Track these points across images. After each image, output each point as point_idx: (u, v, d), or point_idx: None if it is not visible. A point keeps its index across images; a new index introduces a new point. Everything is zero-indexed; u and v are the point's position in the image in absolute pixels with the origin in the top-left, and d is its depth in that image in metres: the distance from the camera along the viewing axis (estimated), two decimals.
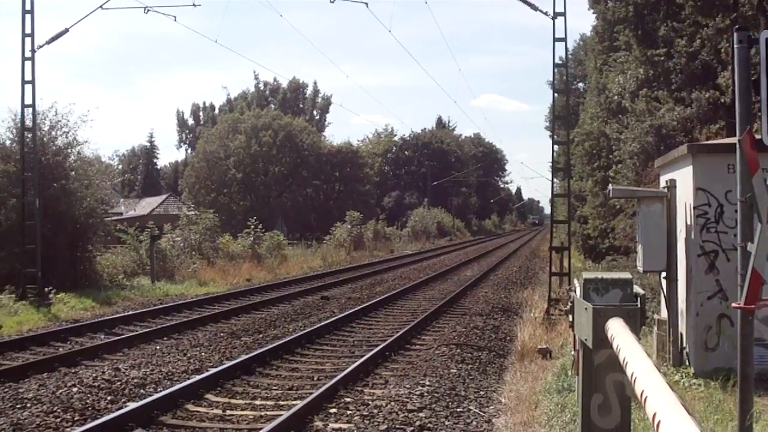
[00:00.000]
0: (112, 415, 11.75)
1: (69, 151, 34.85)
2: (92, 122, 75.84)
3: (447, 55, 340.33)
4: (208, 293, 32.92)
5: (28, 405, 12.82)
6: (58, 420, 11.89)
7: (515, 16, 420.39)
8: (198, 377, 14.77)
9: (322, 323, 22.44)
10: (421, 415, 12.09)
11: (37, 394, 13.54)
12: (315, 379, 15.60)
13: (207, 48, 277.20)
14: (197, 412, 12.83)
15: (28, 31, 29.09)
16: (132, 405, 12.60)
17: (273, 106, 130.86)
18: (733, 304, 9.20)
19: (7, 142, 33.34)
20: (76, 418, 12.05)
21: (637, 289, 8.28)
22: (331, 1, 33.89)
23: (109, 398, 13.36)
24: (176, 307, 27.29)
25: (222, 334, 21.10)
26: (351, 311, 25.15)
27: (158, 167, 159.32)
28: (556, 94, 29.40)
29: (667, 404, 3.69)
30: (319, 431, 11.57)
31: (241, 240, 52.52)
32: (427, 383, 14.43)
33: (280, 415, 11.90)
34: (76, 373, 15.97)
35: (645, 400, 4.01)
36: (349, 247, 66.21)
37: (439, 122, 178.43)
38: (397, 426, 11.44)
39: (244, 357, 17.06)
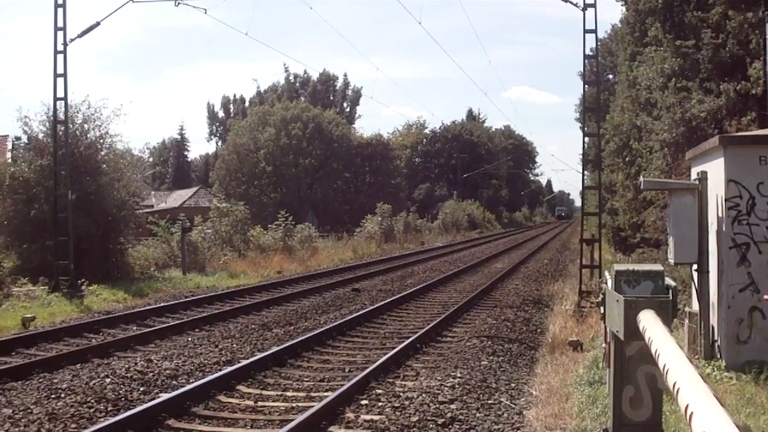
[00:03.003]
0: (144, 406, 11.82)
1: (101, 144, 35.02)
2: (125, 116, 76.05)
3: (477, 47, 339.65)
4: (239, 285, 33.00)
5: (62, 395, 12.91)
6: (92, 410, 11.98)
7: (545, 7, 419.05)
8: (230, 368, 14.83)
9: (353, 315, 22.47)
10: (452, 406, 12.10)
11: (70, 385, 13.63)
12: (346, 370, 15.63)
13: (237, 40, 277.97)
14: (229, 403, 12.89)
15: (60, 24, 29.27)
16: (164, 396, 12.68)
17: (303, 98, 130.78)
18: (765, 297, 9.19)
19: (40, 136, 33.55)
20: (109, 409, 12.14)
21: (668, 281, 8.26)
22: None
23: (141, 389, 13.45)
24: (207, 299, 27.38)
25: (253, 326, 21.16)
26: (382, 303, 25.15)
27: (189, 160, 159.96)
28: (586, 86, 29.29)
29: (700, 396, 3.70)
30: (350, 422, 11.60)
31: (271, 232, 52.56)
32: (459, 375, 14.43)
33: (312, 406, 11.93)
34: (109, 364, 16.08)
35: (677, 391, 4.02)
36: (380, 239, 66.21)
37: (470, 114, 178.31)
38: (429, 418, 11.45)
39: (275, 348, 17.11)
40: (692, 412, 3.58)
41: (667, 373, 4.48)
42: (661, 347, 5.11)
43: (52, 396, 12.94)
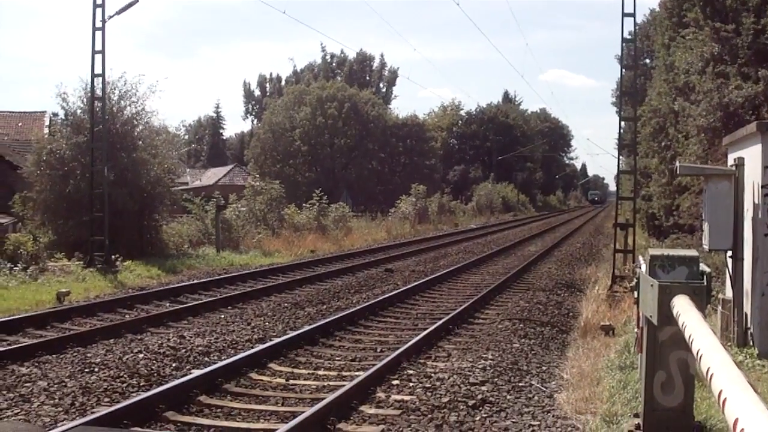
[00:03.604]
0: (176, 382, 11.88)
1: (137, 120, 35.18)
2: (161, 93, 76.24)
3: (514, 29, 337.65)
4: (272, 264, 33.11)
5: (96, 369, 13.01)
6: (125, 385, 12.05)
7: None
8: (262, 346, 14.88)
9: (386, 295, 22.48)
10: (483, 388, 12.10)
11: (104, 359, 13.73)
12: (378, 350, 15.66)
13: (274, 19, 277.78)
14: (261, 380, 12.95)
15: (99, 2, 29.35)
16: (196, 372, 12.73)
17: (339, 78, 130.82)
18: None
19: (78, 112, 33.74)
20: (141, 384, 12.21)
21: (703, 267, 8.23)
22: None
23: (173, 365, 13.53)
24: (241, 277, 27.48)
25: (286, 305, 21.23)
26: (414, 284, 25.16)
27: (224, 138, 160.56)
28: (623, 70, 29.14)
29: (734, 382, 3.68)
30: (381, 402, 11.63)
31: (305, 211, 52.66)
32: (490, 357, 14.44)
33: (343, 385, 11.97)
34: (142, 339, 16.18)
35: (711, 377, 4.00)
36: (414, 220, 66.20)
37: (506, 97, 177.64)
38: (459, 399, 11.47)
39: (307, 327, 17.17)
40: (725, 398, 3.57)
41: (700, 358, 4.47)
42: (694, 332, 5.09)
43: (86, 370, 13.04)
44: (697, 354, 4.64)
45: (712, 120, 25.50)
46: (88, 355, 14.35)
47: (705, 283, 7.82)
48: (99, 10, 29.33)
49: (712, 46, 26.71)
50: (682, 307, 6.33)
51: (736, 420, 3.30)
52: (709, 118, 25.65)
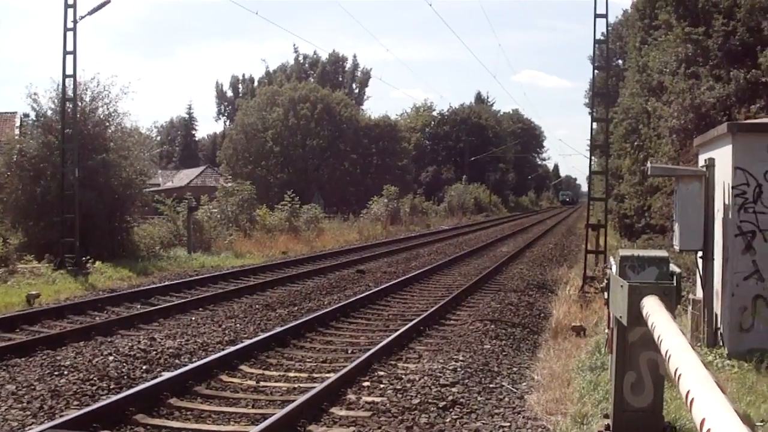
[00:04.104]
0: (147, 384, 11.84)
1: (109, 122, 35.05)
2: (133, 94, 75.96)
3: (487, 30, 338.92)
4: (244, 265, 33.05)
5: (65, 372, 12.94)
6: (95, 388, 12.00)
7: None
8: (232, 348, 14.86)
9: (357, 297, 22.48)
10: (453, 390, 12.11)
11: (74, 362, 13.65)
12: (349, 352, 15.67)
13: (247, 19, 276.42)
14: (231, 382, 12.93)
15: (70, 2, 29.23)
16: (167, 374, 12.69)
17: (312, 79, 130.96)
18: None
19: (49, 113, 33.57)
20: (111, 387, 12.16)
21: (673, 267, 8.25)
22: None
23: (144, 367, 13.47)
24: (212, 279, 27.43)
25: (257, 306, 21.20)
26: (386, 285, 25.18)
27: (196, 139, 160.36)
28: (596, 71, 29.23)
29: (701, 382, 3.68)
30: (352, 404, 11.61)
31: (277, 212, 52.62)
32: (461, 358, 14.45)
33: (314, 387, 11.95)
34: (113, 342, 16.10)
35: (679, 378, 4.01)
36: (386, 221, 66.24)
37: (478, 97, 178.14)
38: (430, 400, 11.47)
39: (278, 329, 17.14)
40: (693, 399, 3.57)
41: (669, 359, 4.47)
42: (663, 333, 5.10)
43: (55, 373, 12.96)
44: (665, 354, 4.64)
45: (684, 121, 25.62)
46: (58, 357, 14.26)
47: (675, 284, 7.84)
48: (71, 11, 29.23)
49: (686, 47, 26.84)
50: (652, 307, 6.34)
51: (703, 420, 3.30)
52: (680, 119, 25.77)
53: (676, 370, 4.13)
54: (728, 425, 3.10)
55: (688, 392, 3.69)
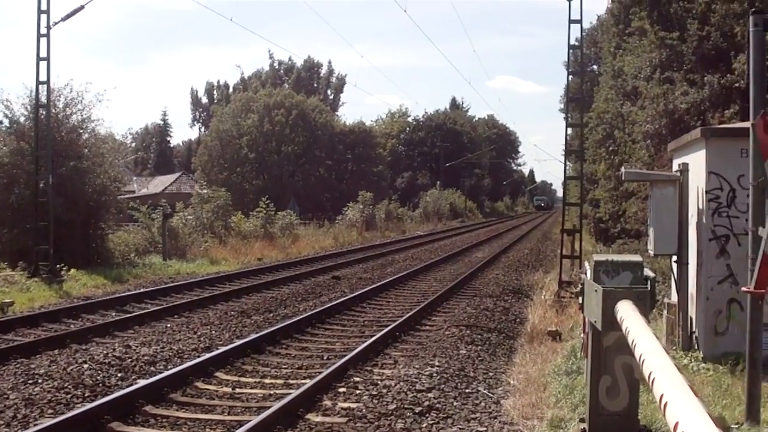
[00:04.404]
0: (122, 392, 11.79)
1: (83, 128, 34.89)
2: (108, 101, 75.36)
3: (462, 36, 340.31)
4: (219, 272, 32.97)
5: (40, 381, 12.88)
6: (69, 396, 11.95)
7: None
8: (208, 355, 14.83)
9: (333, 303, 22.48)
10: (429, 395, 12.11)
11: (48, 370, 13.58)
12: (325, 358, 15.66)
13: (222, 26, 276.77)
14: (207, 389, 12.89)
15: (43, 8, 29.12)
16: (142, 382, 12.63)
17: (287, 85, 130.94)
18: (743, 289, 9.21)
19: (22, 119, 33.36)
20: (86, 395, 12.10)
21: (647, 272, 8.28)
22: None
23: (119, 375, 13.42)
24: (187, 286, 27.35)
25: (232, 313, 21.15)
26: (362, 291, 25.19)
27: (171, 145, 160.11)
28: (570, 76, 29.32)
29: (675, 386, 3.70)
30: (328, 410, 11.60)
31: (253, 219, 52.57)
32: (437, 364, 14.45)
33: (290, 393, 11.95)
34: (87, 349, 16.02)
35: (653, 381, 4.02)
36: (361, 227, 66.27)
37: (453, 103, 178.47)
38: (406, 406, 11.47)
39: (254, 336, 17.10)
40: (666, 402, 3.58)
41: (643, 363, 4.48)
42: (637, 337, 5.11)
43: (30, 381, 12.90)
44: (639, 358, 4.65)
45: (658, 126, 25.69)
46: (32, 366, 14.17)
47: (649, 288, 7.86)
48: (44, 17, 29.08)
49: (660, 53, 26.93)
50: (626, 312, 6.36)
51: (677, 423, 3.31)
52: (655, 124, 25.84)
53: (650, 374, 4.15)
54: (701, 428, 3.11)
55: (662, 396, 3.70)
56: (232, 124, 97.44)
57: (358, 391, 12.52)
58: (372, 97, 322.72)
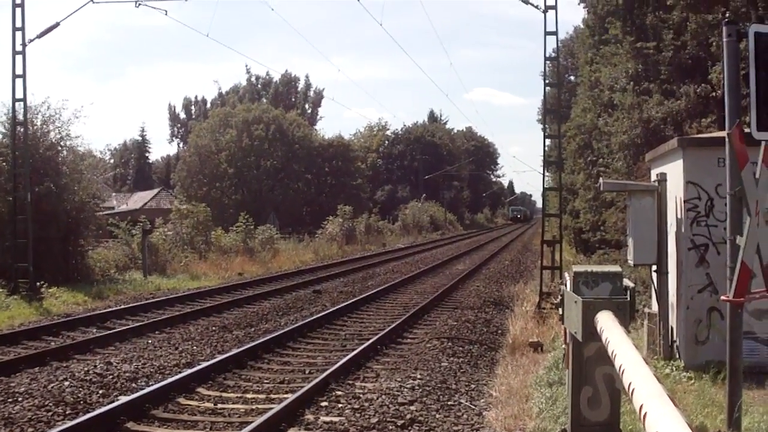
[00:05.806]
0: (103, 409, 11.75)
1: (61, 146, 34.80)
2: (85, 118, 75.01)
3: (439, 49, 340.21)
4: (200, 287, 32.92)
5: (20, 399, 12.83)
6: (50, 414, 11.91)
7: (507, 8, 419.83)
8: (189, 371, 14.79)
9: (314, 317, 22.44)
10: (411, 408, 12.12)
11: (28, 388, 13.54)
12: (306, 372, 15.64)
13: (198, 42, 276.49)
14: (189, 405, 12.86)
15: (18, 24, 29.03)
16: (124, 399, 12.60)
17: (265, 100, 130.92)
18: (723, 297, 9.24)
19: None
20: (67, 412, 12.06)
21: (626, 282, 8.30)
22: None
23: (100, 392, 13.38)
24: (168, 301, 27.27)
25: (214, 328, 21.12)
26: (343, 305, 25.16)
27: (150, 161, 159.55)
28: (547, 88, 29.39)
29: (654, 396, 3.71)
30: (310, 424, 11.59)
31: (233, 234, 52.50)
32: (419, 376, 14.46)
33: (272, 408, 11.93)
34: (68, 367, 15.95)
35: (632, 392, 4.04)
36: (341, 241, 66.27)
37: (432, 116, 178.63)
38: (388, 419, 11.47)
39: (235, 351, 17.07)
40: (646, 413, 3.60)
41: (622, 373, 4.50)
42: (617, 348, 5.13)
43: (9, 400, 12.85)
44: (619, 369, 4.67)
45: (635, 136, 25.80)
46: (12, 384, 14.12)
47: (628, 299, 7.89)
48: (19, 34, 28.99)
49: (636, 63, 27.05)
50: (606, 322, 6.38)
51: None
52: (631, 134, 25.94)
53: (629, 384, 4.17)
54: None
55: (641, 406, 3.72)
56: (211, 140, 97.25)
57: (340, 405, 12.51)
58: (350, 110, 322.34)
